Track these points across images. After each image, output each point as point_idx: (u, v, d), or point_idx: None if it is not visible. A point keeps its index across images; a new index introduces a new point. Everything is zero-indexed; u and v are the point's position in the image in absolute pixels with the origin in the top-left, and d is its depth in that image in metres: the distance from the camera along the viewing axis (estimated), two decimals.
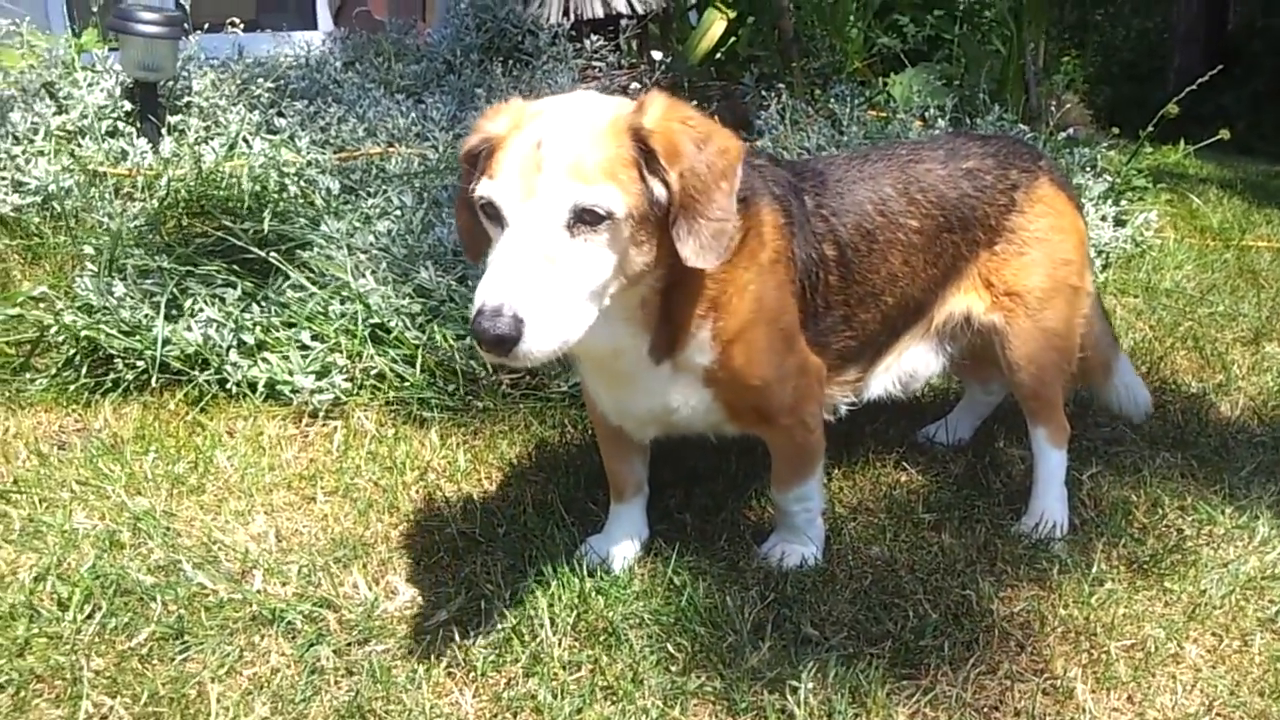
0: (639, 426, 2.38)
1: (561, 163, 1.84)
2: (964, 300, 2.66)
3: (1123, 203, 5.10)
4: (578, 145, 1.87)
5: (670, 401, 2.25)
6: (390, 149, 4.68)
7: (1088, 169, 5.12)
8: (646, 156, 1.93)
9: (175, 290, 3.37)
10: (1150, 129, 5.11)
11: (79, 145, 4.60)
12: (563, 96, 2.06)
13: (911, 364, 2.72)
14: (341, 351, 3.24)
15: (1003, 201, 2.64)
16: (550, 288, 1.79)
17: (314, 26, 8.42)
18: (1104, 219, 4.80)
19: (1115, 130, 5.68)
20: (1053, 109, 5.51)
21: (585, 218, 1.84)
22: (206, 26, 5.72)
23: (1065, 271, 2.66)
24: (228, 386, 3.24)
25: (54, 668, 2.08)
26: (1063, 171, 2.86)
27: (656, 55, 6.29)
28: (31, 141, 4.54)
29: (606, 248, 1.88)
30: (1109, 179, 5.17)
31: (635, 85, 5.63)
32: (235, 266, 3.52)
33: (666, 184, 1.93)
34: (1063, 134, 5.49)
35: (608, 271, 1.90)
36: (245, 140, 4.53)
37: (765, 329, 2.23)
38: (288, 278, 3.43)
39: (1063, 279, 2.65)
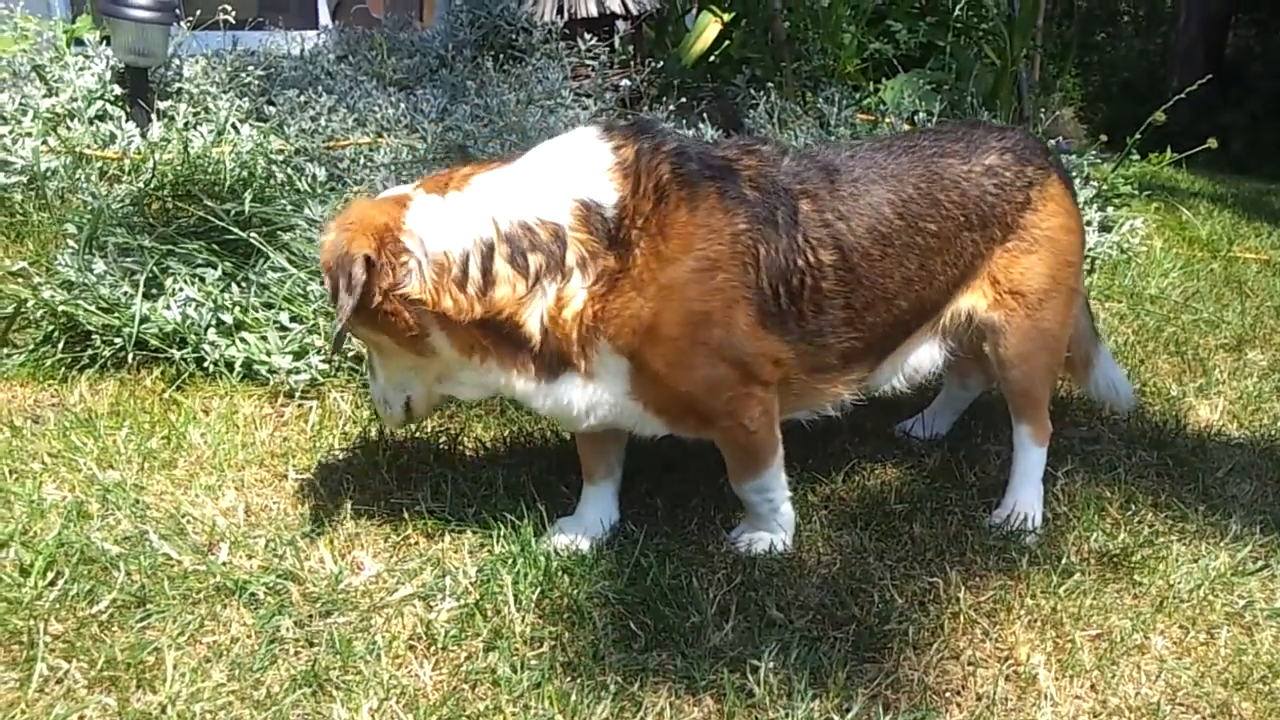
0: (573, 426, 2.40)
1: None
2: (970, 298, 2.61)
3: (1109, 209, 5.11)
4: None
5: (596, 407, 2.28)
6: (379, 139, 4.68)
7: (1073, 175, 5.12)
8: None
9: (155, 269, 3.36)
10: (1138, 137, 5.12)
11: (67, 128, 4.60)
12: None
13: (918, 360, 2.68)
14: (320, 333, 3.23)
15: (1020, 199, 2.59)
16: (375, 385, 2.42)
17: (315, 25, 8.42)
18: (1089, 224, 4.80)
19: (1104, 138, 5.68)
20: (1042, 116, 5.52)
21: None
22: (198, 15, 5.72)
23: (1067, 273, 2.64)
24: (205, 365, 3.23)
25: (11, 632, 2.07)
26: (1067, 170, 2.83)
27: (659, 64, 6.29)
28: (19, 122, 4.54)
29: (376, 347, 2.37)
30: (1095, 185, 5.18)
31: (626, 83, 5.65)
32: (216, 247, 3.51)
33: None
34: (1050, 142, 5.51)
35: (401, 366, 2.35)
36: (234, 126, 4.53)
37: (683, 343, 2.21)
38: (268, 259, 3.42)
39: (1063, 280, 2.63)
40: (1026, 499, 2.67)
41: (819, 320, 2.38)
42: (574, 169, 2.25)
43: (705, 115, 5.23)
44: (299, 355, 3.19)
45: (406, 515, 2.54)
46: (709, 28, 6.62)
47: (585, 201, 2.19)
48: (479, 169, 2.30)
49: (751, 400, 2.32)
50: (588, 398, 2.26)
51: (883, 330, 2.49)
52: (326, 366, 3.18)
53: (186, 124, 4.64)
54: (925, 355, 2.68)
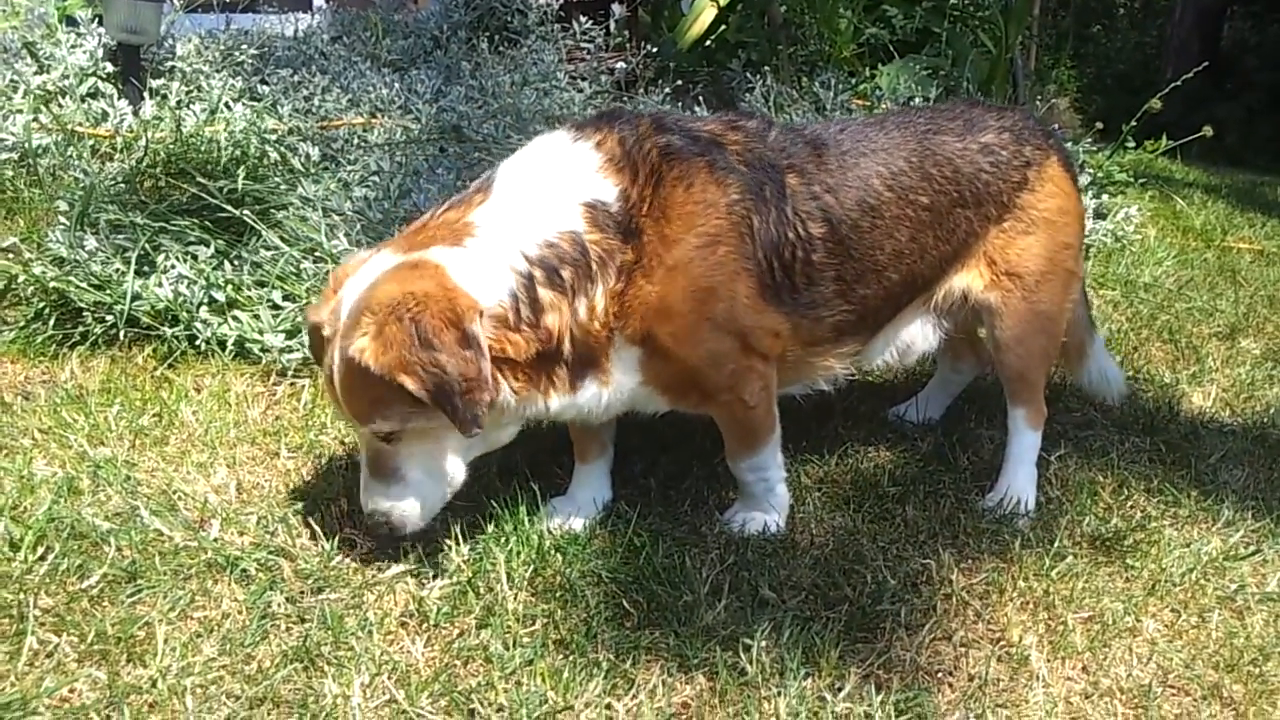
0: (590, 423, 2.41)
1: (345, 406, 2.10)
2: (965, 277, 2.62)
3: (1103, 197, 5.11)
4: (347, 390, 2.08)
5: (613, 405, 2.30)
6: (373, 119, 4.66)
7: None
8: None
9: (147, 246, 3.34)
10: (1133, 124, 5.12)
11: (59, 105, 4.56)
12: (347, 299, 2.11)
13: (910, 336, 2.68)
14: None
15: (1016, 179, 2.60)
16: (402, 491, 2.16)
17: (309, 7, 8.38)
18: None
19: (1099, 126, 5.68)
20: (1037, 104, 5.52)
21: (388, 438, 2.11)
22: None
23: (1065, 255, 2.64)
24: (197, 343, 3.22)
25: (1, 605, 2.06)
26: (1069, 153, 2.81)
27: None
28: (10, 99, 4.50)
29: (426, 439, 2.13)
30: (1090, 172, 5.18)
31: (622, 65, 5.63)
32: (209, 225, 3.49)
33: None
34: None
35: (455, 446, 2.18)
36: (227, 105, 4.50)
37: (690, 319, 2.22)
38: (261, 237, 3.41)
39: (1060, 262, 2.63)
40: (1020, 482, 2.67)
41: (811, 293, 2.39)
42: (565, 173, 2.24)
43: (701, 99, 5.22)
44: (291, 334, 3.18)
45: None
46: (705, 11, 6.59)
47: (590, 202, 2.19)
48: (465, 209, 2.20)
49: (752, 374, 2.33)
50: (606, 396, 2.27)
51: (875, 303, 2.50)
52: None
53: (179, 102, 4.60)
54: (918, 332, 2.68)
